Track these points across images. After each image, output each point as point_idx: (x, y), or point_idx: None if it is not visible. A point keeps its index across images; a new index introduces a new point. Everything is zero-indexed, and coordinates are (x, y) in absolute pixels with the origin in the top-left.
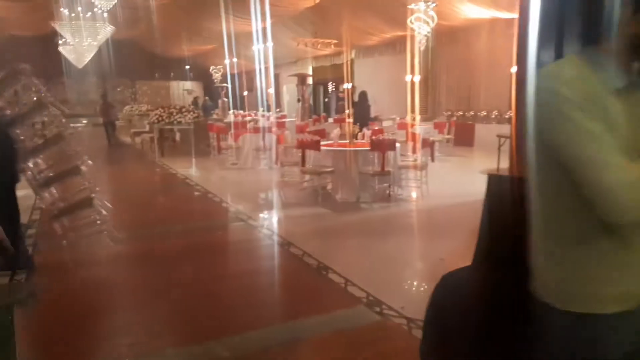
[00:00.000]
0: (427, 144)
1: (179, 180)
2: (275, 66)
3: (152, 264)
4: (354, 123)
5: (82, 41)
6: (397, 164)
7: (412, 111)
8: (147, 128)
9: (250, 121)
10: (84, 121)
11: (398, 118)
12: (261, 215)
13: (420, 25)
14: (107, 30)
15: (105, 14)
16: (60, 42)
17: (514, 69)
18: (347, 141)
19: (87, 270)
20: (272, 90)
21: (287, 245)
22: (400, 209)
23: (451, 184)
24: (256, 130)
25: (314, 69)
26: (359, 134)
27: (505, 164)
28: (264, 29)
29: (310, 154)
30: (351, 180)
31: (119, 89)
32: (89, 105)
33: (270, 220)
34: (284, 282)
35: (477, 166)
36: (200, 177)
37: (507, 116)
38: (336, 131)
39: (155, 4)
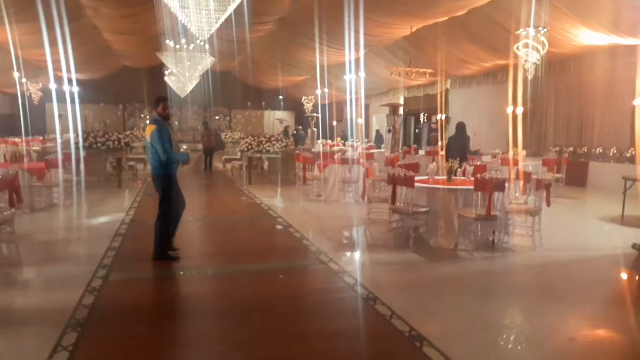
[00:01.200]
0: (542, 185)
1: (261, 211)
2: (366, 96)
3: (214, 313)
4: (449, 157)
5: (184, 71)
6: (505, 207)
7: (515, 145)
8: (238, 155)
9: (337, 151)
10: (184, 146)
11: (500, 152)
12: (344, 257)
13: (529, 52)
14: (207, 62)
15: (207, 46)
16: (166, 72)
17: (638, 101)
18: (445, 177)
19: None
20: (361, 121)
21: (372, 300)
22: (507, 262)
23: (568, 233)
24: (343, 161)
25: (405, 99)
26: (459, 169)
27: (632, 210)
28: (357, 59)
29: (401, 190)
30: (449, 223)
31: (217, 117)
32: (189, 132)
33: (354, 265)
34: (368, 353)
35: (594, 211)
36: (283, 209)
37: (628, 154)
38: (432, 166)
39: (252, 37)
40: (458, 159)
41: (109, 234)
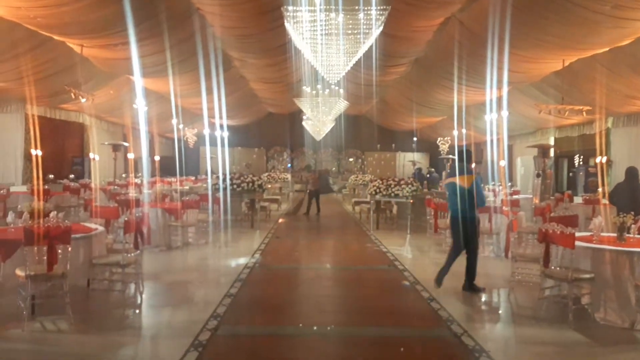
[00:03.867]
0: None
1: (385, 261)
2: (510, 137)
3: None
4: (619, 209)
5: (319, 115)
6: None
7: None
8: (367, 198)
9: None
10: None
11: None
12: (482, 330)
13: None
14: (340, 106)
15: (341, 90)
16: (304, 117)
17: None
18: (614, 235)
19: None
20: (503, 163)
21: None
22: None
23: None
24: (482, 209)
25: (556, 140)
26: (633, 226)
27: None
28: (499, 98)
29: (556, 249)
30: (622, 295)
31: (350, 160)
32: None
33: (495, 342)
34: None
35: None
36: (411, 260)
37: None
38: (597, 220)
39: (385, 79)
40: (632, 212)
41: (230, 278)
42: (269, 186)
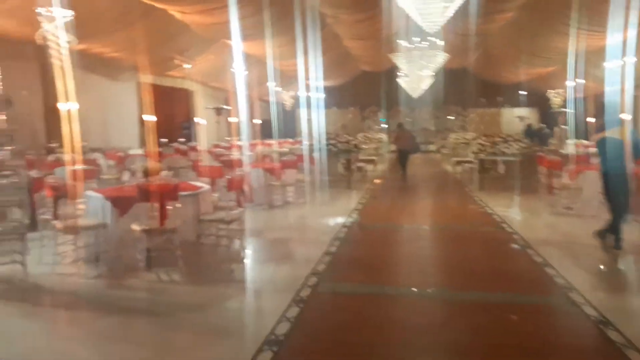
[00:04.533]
0: None
1: (492, 223)
2: (636, 86)
3: (422, 351)
4: None
5: (416, 70)
6: None
7: None
8: (470, 157)
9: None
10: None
11: None
12: (606, 300)
13: None
14: (439, 59)
15: (441, 43)
16: (400, 74)
17: None
18: None
19: None
20: (626, 116)
21: None
22: None
23: None
24: None
25: None
26: None
27: None
28: (625, 41)
29: None
30: None
31: (450, 117)
32: (420, 134)
33: (622, 314)
34: None
35: None
36: (520, 223)
37: None
38: None
39: (489, 27)
40: None
41: (329, 236)
42: (365, 147)
